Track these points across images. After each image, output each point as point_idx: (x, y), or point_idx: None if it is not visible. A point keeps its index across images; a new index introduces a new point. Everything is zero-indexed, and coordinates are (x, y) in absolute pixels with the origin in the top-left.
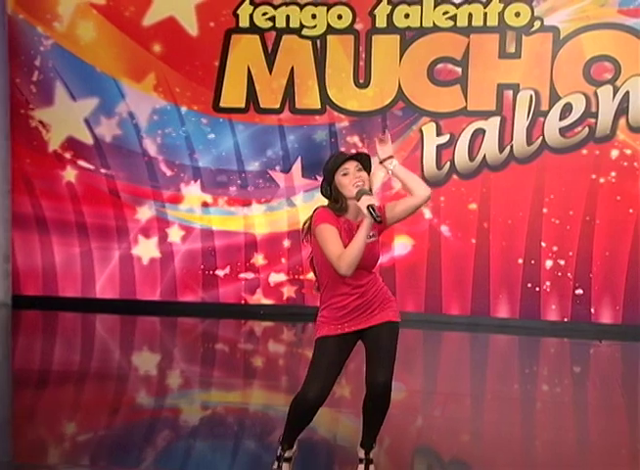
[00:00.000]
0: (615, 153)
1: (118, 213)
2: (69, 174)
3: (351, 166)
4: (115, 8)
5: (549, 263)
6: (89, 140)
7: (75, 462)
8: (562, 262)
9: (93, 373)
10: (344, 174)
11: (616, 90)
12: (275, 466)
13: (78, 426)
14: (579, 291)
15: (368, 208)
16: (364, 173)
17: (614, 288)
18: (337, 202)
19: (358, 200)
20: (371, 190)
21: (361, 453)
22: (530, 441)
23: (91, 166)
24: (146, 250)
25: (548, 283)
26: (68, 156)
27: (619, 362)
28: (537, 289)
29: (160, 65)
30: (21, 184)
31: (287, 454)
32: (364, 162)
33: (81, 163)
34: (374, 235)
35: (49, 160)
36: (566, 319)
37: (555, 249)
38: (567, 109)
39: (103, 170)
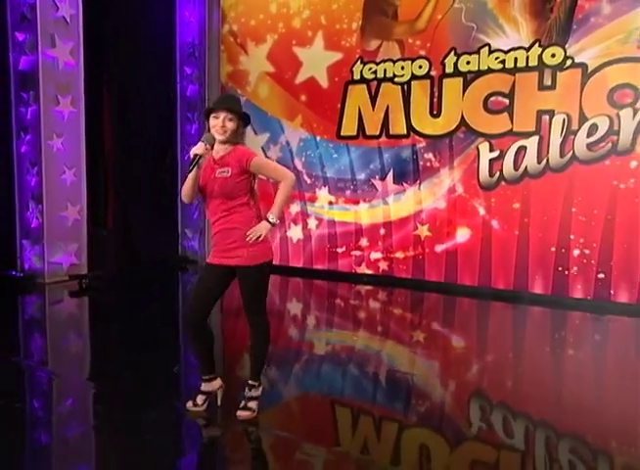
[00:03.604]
0: (634, 163)
1: None
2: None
3: (222, 115)
4: (279, 74)
5: (576, 252)
6: None
7: None
8: (587, 252)
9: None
10: (215, 117)
11: (635, 112)
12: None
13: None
14: (601, 275)
15: (194, 154)
16: (231, 124)
17: (630, 274)
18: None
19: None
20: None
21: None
22: (555, 383)
23: (264, 178)
24: (295, 233)
25: (575, 268)
26: None
27: (633, 335)
28: (566, 272)
29: (305, 109)
30: None
31: (203, 387)
32: (239, 114)
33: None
34: (226, 171)
35: None
36: (589, 298)
37: (582, 240)
38: (593, 128)
39: (271, 180)
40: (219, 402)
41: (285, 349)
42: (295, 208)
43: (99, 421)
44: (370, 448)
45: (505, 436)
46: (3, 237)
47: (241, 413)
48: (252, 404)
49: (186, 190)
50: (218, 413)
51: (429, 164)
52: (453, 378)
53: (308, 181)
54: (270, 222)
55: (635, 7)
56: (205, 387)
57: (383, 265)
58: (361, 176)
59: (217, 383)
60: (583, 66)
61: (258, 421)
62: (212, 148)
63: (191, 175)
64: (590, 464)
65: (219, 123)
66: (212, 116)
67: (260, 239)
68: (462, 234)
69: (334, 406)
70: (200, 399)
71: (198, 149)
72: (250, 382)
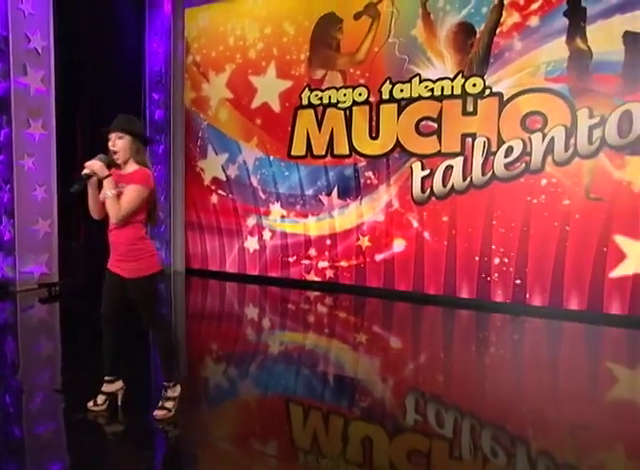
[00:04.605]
0: (544, 181)
1: (237, 222)
2: (214, 198)
3: (113, 135)
4: (237, 100)
5: (497, 260)
6: (224, 178)
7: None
8: (506, 260)
9: (224, 313)
10: (109, 139)
11: (544, 136)
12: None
13: (219, 340)
14: (518, 281)
15: (84, 174)
16: (122, 142)
17: (542, 280)
18: None
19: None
20: (111, 163)
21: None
22: (479, 378)
23: (224, 194)
24: (251, 243)
25: (496, 274)
26: (213, 188)
27: (544, 334)
28: (488, 278)
29: (260, 131)
30: (190, 204)
31: (104, 387)
32: (127, 132)
33: (220, 191)
34: (122, 187)
35: (204, 190)
36: (508, 301)
37: (501, 250)
38: (509, 150)
39: (230, 196)
40: (120, 402)
41: (242, 349)
42: (251, 221)
43: (60, 422)
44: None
45: (437, 426)
46: None
47: (157, 412)
48: (169, 404)
49: (90, 208)
50: (119, 412)
51: (369, 181)
52: (392, 375)
53: (263, 197)
54: (107, 193)
55: (542, 44)
56: (105, 388)
57: (329, 273)
58: (309, 192)
59: (118, 384)
60: (500, 94)
61: (177, 420)
62: (110, 167)
63: (90, 194)
64: (509, 450)
65: (111, 143)
66: (108, 138)
67: (92, 168)
68: (398, 244)
69: (276, 403)
70: (100, 399)
71: (84, 171)
72: (164, 383)
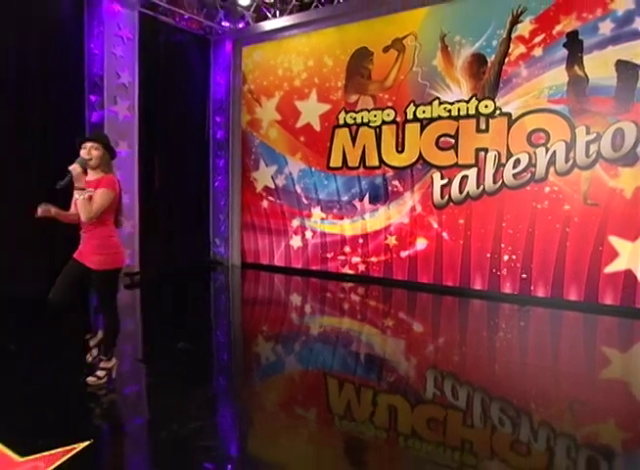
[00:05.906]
0: (547, 189)
1: (284, 223)
2: (265, 203)
3: (88, 145)
4: (285, 121)
5: (506, 257)
6: (273, 186)
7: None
8: (514, 257)
9: (273, 300)
10: (83, 148)
11: (547, 150)
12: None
13: (269, 322)
14: (524, 275)
15: (68, 170)
16: (97, 152)
17: (546, 274)
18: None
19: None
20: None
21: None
22: (490, 358)
23: (273, 199)
24: (296, 241)
25: (505, 269)
26: (264, 194)
27: (548, 321)
28: (498, 273)
29: (303, 147)
30: (246, 209)
31: (102, 364)
32: (103, 144)
33: (270, 198)
34: (91, 191)
35: (257, 197)
36: (515, 293)
37: (510, 248)
38: (517, 162)
39: (278, 201)
40: (114, 375)
41: (288, 330)
42: (295, 222)
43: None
44: (345, 411)
45: (452, 398)
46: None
47: (90, 378)
48: (101, 373)
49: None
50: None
51: (395, 189)
52: (414, 355)
53: (305, 202)
54: (81, 195)
55: (544, 71)
56: (104, 364)
57: (361, 267)
58: (345, 198)
59: (113, 360)
60: (508, 114)
61: (234, 388)
62: (86, 171)
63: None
64: (514, 420)
65: (86, 152)
66: (82, 147)
67: (73, 170)
68: (421, 243)
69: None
70: (101, 373)
71: (72, 169)
72: (101, 356)
